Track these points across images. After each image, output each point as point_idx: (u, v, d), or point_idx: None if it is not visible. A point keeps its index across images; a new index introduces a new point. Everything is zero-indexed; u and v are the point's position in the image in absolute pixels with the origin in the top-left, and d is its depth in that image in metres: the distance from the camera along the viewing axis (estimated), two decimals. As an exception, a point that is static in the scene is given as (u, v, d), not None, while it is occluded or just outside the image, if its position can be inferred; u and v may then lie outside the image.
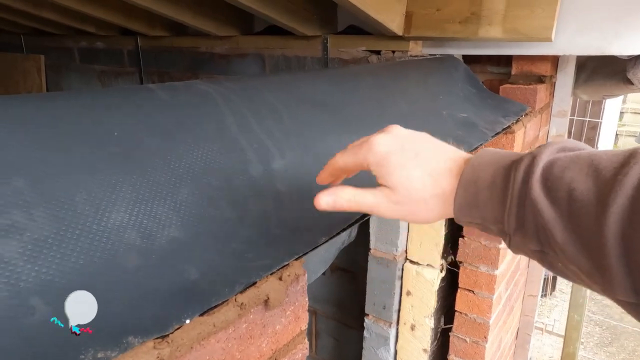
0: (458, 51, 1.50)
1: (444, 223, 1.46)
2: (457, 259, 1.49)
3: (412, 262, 1.60)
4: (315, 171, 0.65)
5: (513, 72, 1.52)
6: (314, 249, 0.53)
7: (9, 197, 0.39)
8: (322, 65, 1.71)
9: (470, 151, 0.94)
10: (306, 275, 0.52)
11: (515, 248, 0.42)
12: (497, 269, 1.32)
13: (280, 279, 0.47)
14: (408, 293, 1.66)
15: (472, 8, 1.34)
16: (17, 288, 0.35)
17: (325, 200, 0.47)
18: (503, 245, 1.33)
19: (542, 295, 3.50)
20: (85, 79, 2.51)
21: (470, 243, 1.40)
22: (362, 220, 0.63)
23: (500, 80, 1.57)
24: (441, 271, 1.59)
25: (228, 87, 0.66)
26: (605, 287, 0.34)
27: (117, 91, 0.56)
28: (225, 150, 0.59)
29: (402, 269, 1.65)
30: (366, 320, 1.68)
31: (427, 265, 1.62)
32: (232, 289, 0.43)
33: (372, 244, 1.56)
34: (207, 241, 0.49)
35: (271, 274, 0.47)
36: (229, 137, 0.60)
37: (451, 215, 0.46)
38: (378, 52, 1.59)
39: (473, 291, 1.43)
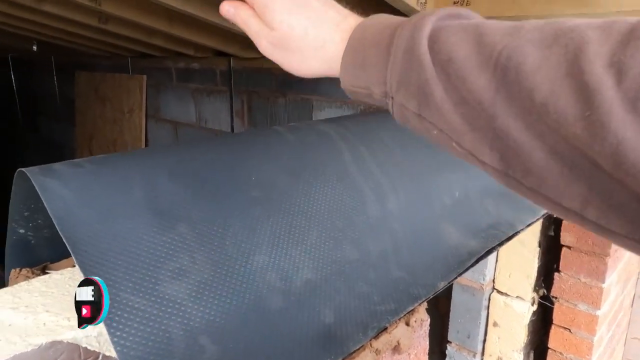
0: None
1: (537, 254, 1.41)
2: (551, 294, 1.43)
3: (500, 292, 1.55)
4: (427, 211, 0.66)
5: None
6: (434, 294, 0.55)
7: (177, 242, 0.44)
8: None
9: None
10: (429, 320, 0.53)
11: (398, 113, 0.40)
12: (599, 309, 1.25)
13: (408, 324, 0.49)
14: (495, 324, 1.61)
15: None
16: (189, 327, 0.39)
17: (227, 9, 0.46)
18: (606, 283, 1.26)
19: None
20: (180, 96, 2.69)
21: (568, 279, 1.34)
22: (476, 264, 0.63)
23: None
24: (532, 304, 1.53)
25: (346, 126, 0.69)
26: (475, 150, 0.34)
27: (250, 136, 0.61)
28: (346, 190, 0.62)
29: (489, 299, 1.60)
30: (448, 347, 1.65)
31: (517, 297, 1.56)
32: (366, 334, 0.45)
33: (459, 271, 1.54)
34: (336, 283, 0.51)
35: (399, 319, 0.49)
36: (348, 176, 0.63)
37: (331, 75, 0.44)
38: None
39: (570, 330, 1.36)
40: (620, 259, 1.37)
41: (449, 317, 1.66)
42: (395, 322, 0.48)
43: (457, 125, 0.34)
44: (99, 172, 0.45)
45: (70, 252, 0.38)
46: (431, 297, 0.53)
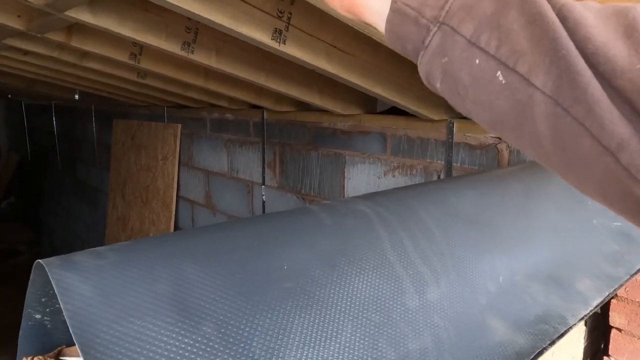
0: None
1: (582, 334, 1.30)
2: (599, 378, 1.31)
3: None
4: (471, 301, 0.61)
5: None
6: (481, 406, 0.48)
7: (200, 344, 0.40)
8: (446, 148, 1.68)
9: (633, 274, 0.84)
10: None
11: (436, 45, 0.38)
12: (655, 400, 1.13)
13: None
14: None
15: None
16: None
17: None
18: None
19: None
20: (214, 146, 2.72)
21: (619, 363, 1.23)
22: (525, 366, 0.57)
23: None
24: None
25: (385, 205, 0.66)
26: (529, 73, 0.34)
27: (284, 217, 0.58)
28: (383, 279, 0.57)
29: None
30: None
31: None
32: None
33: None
34: (372, 391, 0.46)
35: None
36: (386, 264, 0.59)
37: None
38: (508, 139, 1.53)
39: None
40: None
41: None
42: None
43: (520, 46, 0.34)
44: (122, 264, 0.42)
45: (82, 358, 0.34)
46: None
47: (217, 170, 2.74)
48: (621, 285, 0.79)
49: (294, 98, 1.86)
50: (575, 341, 1.29)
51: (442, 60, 0.38)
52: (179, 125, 2.86)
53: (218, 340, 0.42)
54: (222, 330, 0.42)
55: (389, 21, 0.42)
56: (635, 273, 0.83)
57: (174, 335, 0.39)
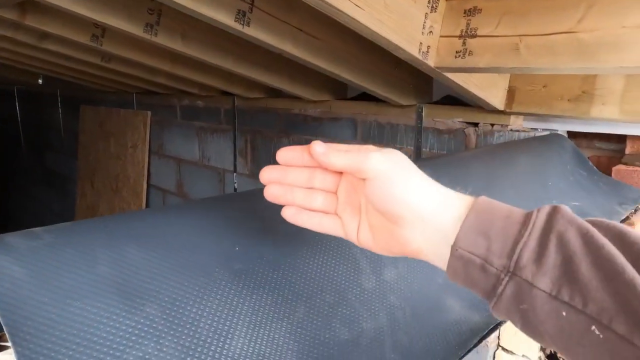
0: (563, 127, 1.41)
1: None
2: (559, 354, 1.35)
3: (505, 350, 1.47)
4: (428, 282, 0.61)
5: (627, 152, 1.40)
6: (432, 382, 0.49)
7: (143, 326, 0.39)
8: (416, 133, 1.69)
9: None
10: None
11: (512, 293, 0.36)
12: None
13: None
14: (500, 384, 1.53)
15: (584, 86, 1.26)
16: None
17: (319, 149, 0.43)
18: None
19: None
20: (185, 134, 2.68)
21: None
22: (479, 344, 0.58)
23: (610, 157, 1.45)
24: (540, 365, 1.45)
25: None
26: (632, 330, 0.31)
27: (234, 198, 0.57)
28: (339, 260, 0.57)
29: (494, 357, 1.52)
30: (452, 408, 1.55)
31: (523, 356, 1.48)
32: None
33: (463, 328, 1.46)
34: (323, 370, 0.46)
35: (391, 418, 0.43)
36: (343, 245, 0.58)
37: (428, 247, 0.41)
38: (475, 124, 1.54)
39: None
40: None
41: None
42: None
43: (607, 304, 0.33)
44: (59, 245, 0.40)
45: (11, 344, 0.33)
46: (429, 388, 0.48)
47: (189, 158, 2.70)
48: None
49: (264, 84, 1.83)
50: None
51: (520, 307, 0.36)
52: (149, 113, 2.80)
53: (163, 322, 0.40)
54: (168, 312, 0.41)
55: (451, 266, 0.40)
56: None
57: (114, 317, 0.38)
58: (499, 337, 1.56)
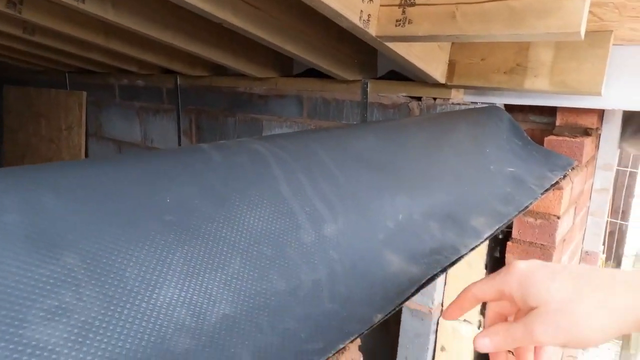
0: (501, 100, 1.46)
1: (482, 275, 1.39)
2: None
3: (448, 316, 1.53)
4: (368, 237, 0.61)
5: (558, 123, 1.47)
6: (368, 329, 0.49)
7: (59, 275, 0.36)
8: (361, 109, 1.70)
9: (521, 211, 0.89)
10: (362, 358, 0.47)
11: None
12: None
13: (338, 366, 0.43)
14: (442, 349, 1.58)
15: (518, 59, 1.31)
16: (62, 382, 0.32)
17: (484, 343, 0.45)
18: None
19: None
20: (125, 115, 2.57)
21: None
22: (417, 293, 0.59)
23: (542, 130, 1.52)
24: (479, 328, 1.52)
25: (281, 145, 0.64)
26: None
27: (169, 154, 0.54)
28: (277, 215, 0.56)
29: (438, 324, 1.58)
30: (398, 375, 1.60)
31: (464, 321, 1.54)
32: (288, 381, 0.39)
33: (408, 297, 1.50)
34: (259, 319, 0.45)
35: (327, 359, 0.43)
36: (281, 200, 0.57)
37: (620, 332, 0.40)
38: (419, 98, 1.57)
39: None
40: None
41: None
42: (325, 363, 0.42)
43: None
44: (-38, 191, 0.37)
45: None
46: (365, 332, 0.48)
47: (130, 140, 2.59)
48: (510, 220, 0.83)
49: (208, 60, 1.77)
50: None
51: None
52: (84, 93, 2.66)
53: (83, 272, 0.38)
54: (89, 262, 0.39)
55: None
56: (523, 210, 0.88)
57: (25, 267, 0.35)
58: (442, 304, 1.61)
